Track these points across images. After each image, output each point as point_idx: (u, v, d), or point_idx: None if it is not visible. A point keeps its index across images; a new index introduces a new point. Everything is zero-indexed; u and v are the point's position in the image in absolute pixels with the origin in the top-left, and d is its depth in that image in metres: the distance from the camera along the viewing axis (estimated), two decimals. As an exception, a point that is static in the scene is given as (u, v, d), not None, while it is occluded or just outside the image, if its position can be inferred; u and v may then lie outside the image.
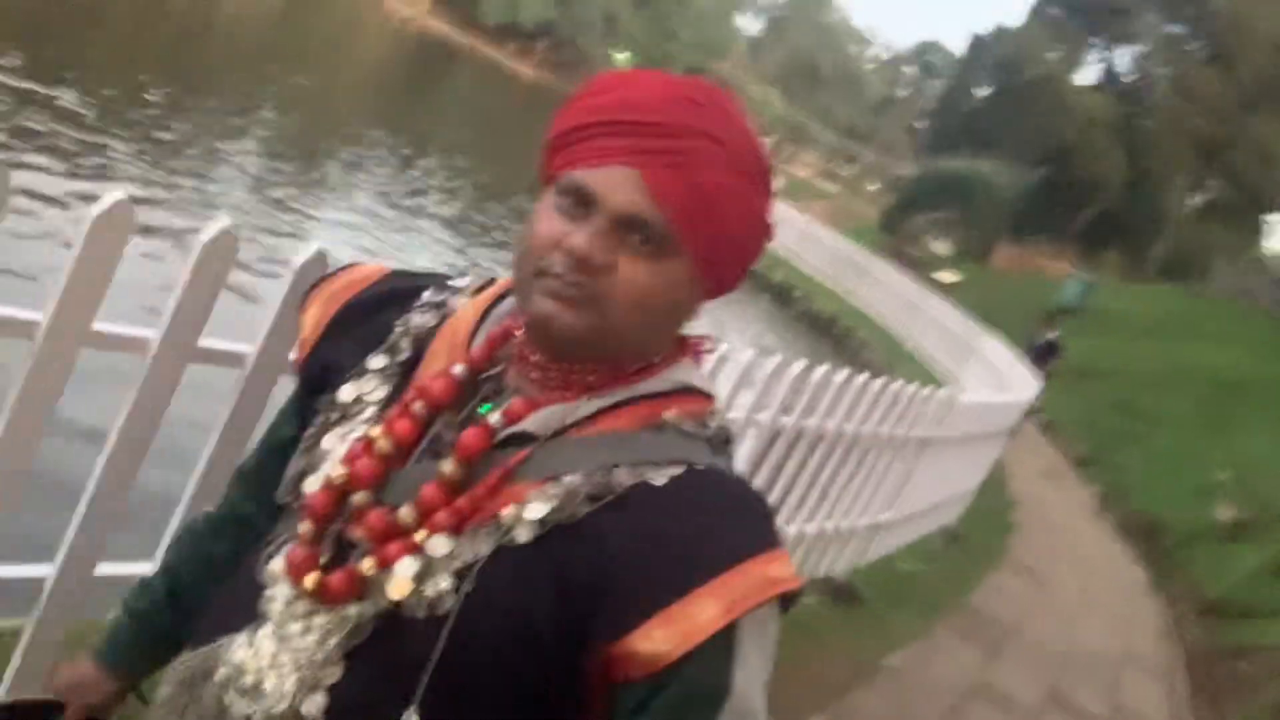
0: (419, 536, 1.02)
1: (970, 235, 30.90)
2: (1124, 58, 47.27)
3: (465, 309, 1.17)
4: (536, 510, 1.01)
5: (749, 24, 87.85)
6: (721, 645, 0.98)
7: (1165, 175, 42.19)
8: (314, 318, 1.24)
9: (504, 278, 1.18)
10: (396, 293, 1.21)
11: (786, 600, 1.03)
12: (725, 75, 61.15)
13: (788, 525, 5.20)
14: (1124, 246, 43.49)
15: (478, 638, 0.99)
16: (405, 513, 1.04)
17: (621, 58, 60.29)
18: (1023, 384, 12.04)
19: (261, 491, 1.26)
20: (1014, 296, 27.12)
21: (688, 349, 1.14)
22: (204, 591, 1.27)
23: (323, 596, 1.03)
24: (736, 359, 3.97)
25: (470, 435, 1.06)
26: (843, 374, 4.97)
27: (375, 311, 1.20)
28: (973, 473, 8.76)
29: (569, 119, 1.07)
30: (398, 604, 1.01)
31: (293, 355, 1.79)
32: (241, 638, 1.08)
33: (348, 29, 45.14)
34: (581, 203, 1.02)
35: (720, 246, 1.06)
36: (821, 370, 4.75)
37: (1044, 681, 6.56)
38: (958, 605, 7.12)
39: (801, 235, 24.96)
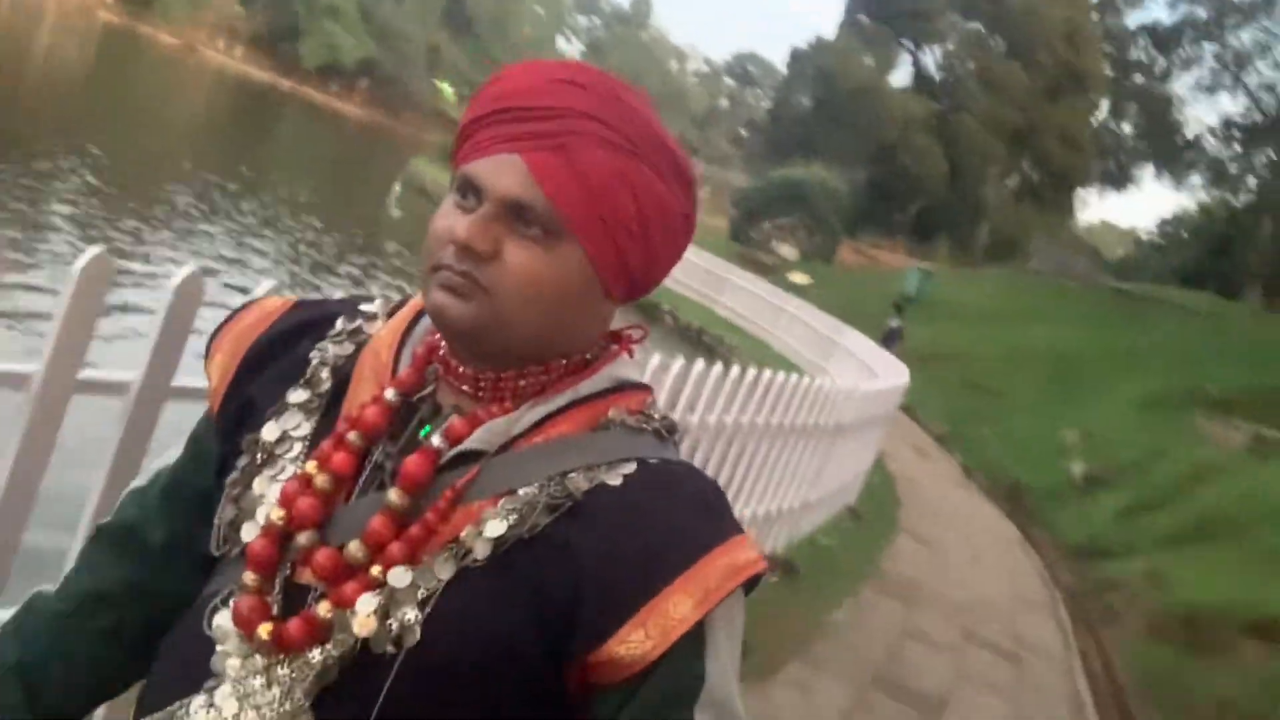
0: (375, 571, 0.98)
1: (814, 238, 32.56)
2: (932, 57, 50.18)
3: (383, 332, 1.12)
4: (496, 527, 0.98)
5: (570, 48, 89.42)
6: (694, 638, 0.98)
7: (980, 165, 45.01)
8: (222, 364, 1.17)
9: (417, 298, 1.14)
10: (308, 323, 1.16)
11: (750, 582, 1.02)
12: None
13: (740, 510, 6.08)
14: (950, 235, 46.27)
15: (452, 663, 0.97)
16: (354, 549, 1.00)
17: (447, 89, 60.63)
18: (891, 371, 13.09)
19: (175, 550, 1.17)
20: (860, 291, 28.76)
21: (620, 344, 1.12)
22: (73, 690, 1.17)
23: (283, 645, 0.99)
24: (692, 370, 4.83)
25: (414, 462, 1.01)
26: (780, 376, 5.89)
27: (288, 345, 1.15)
28: (867, 454, 9.82)
29: (466, 115, 1.06)
30: (364, 642, 0.97)
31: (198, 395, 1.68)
32: (199, 700, 1.02)
33: (164, 81, 44.39)
34: (472, 194, 1.01)
35: (613, 230, 1.02)
36: (768, 374, 5.66)
37: (956, 624, 7.64)
38: (873, 570, 8.14)
39: (658, 252, 25.98)
